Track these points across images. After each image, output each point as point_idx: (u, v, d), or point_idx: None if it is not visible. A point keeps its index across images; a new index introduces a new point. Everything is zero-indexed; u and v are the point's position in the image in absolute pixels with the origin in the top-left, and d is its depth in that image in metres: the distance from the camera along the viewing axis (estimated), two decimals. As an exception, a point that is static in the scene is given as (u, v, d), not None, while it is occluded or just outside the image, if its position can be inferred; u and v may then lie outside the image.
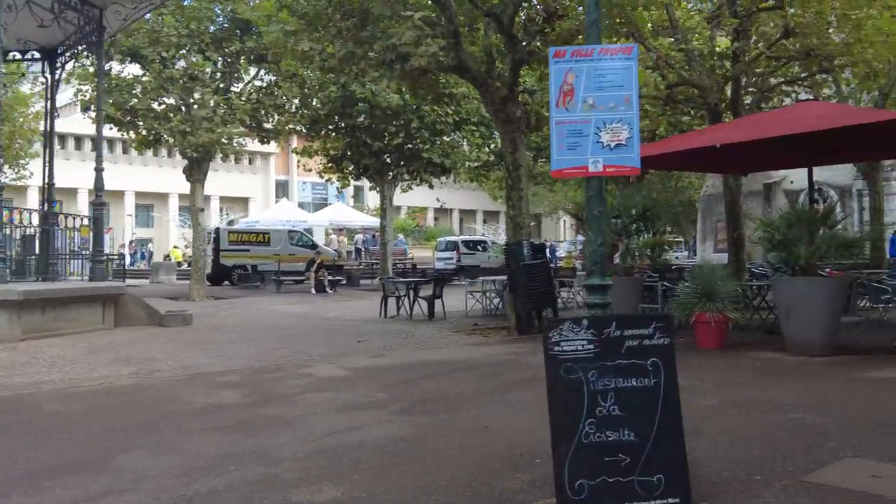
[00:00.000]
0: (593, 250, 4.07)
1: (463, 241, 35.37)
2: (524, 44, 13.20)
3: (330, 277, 25.37)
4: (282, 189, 62.31)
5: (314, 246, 29.88)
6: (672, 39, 16.46)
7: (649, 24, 17.76)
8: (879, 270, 16.07)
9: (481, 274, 15.97)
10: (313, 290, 24.15)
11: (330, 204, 48.71)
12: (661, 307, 11.66)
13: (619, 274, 11.27)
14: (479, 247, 34.67)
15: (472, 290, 16.39)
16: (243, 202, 59.34)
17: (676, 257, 46.18)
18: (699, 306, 9.74)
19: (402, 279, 17.16)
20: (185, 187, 23.58)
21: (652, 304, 12.19)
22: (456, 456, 5.08)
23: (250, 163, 60.17)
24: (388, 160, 26.16)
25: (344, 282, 27.44)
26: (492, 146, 27.25)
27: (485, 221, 65.94)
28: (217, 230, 28.91)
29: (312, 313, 17.15)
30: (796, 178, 36.39)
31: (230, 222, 41.45)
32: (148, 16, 17.41)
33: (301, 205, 50.32)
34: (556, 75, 4.04)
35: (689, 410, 6.20)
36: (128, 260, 35.90)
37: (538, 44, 13.87)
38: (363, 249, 38.44)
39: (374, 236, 36.31)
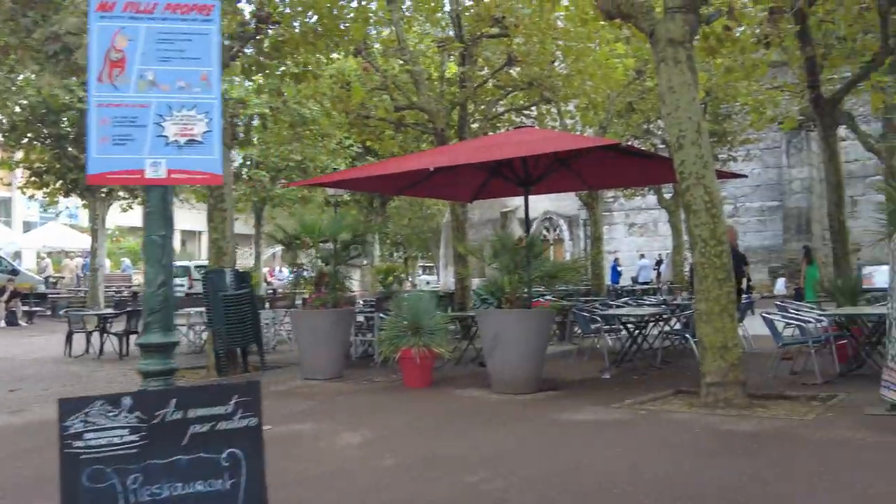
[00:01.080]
0: (152, 293, 2.83)
1: (197, 267, 32.70)
2: (234, 50, 11.84)
3: (26, 308, 22.02)
4: (3, 207, 54.79)
5: (15, 272, 25.98)
6: (401, 61, 15.89)
7: (377, 45, 17.13)
8: (596, 298, 16.48)
9: (186, 304, 14.17)
10: (2, 322, 20.76)
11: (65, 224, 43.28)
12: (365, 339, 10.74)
13: (328, 306, 10.17)
14: (216, 273, 32.14)
15: (177, 322, 14.53)
16: (-57, 221, 51.47)
17: (427, 283, 46.65)
18: (405, 341, 8.88)
19: (91, 311, 14.86)
20: None
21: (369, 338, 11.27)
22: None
23: (-46, 176, 52.42)
24: (102, 176, 23.26)
25: (48, 312, 24.05)
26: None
27: (258, 245, 62.43)
28: None
29: (-18, 353, 14.35)
30: (530, 206, 38.18)
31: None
32: None
33: (29, 224, 44.12)
34: (101, 36, 2.78)
35: (359, 477, 5.27)
36: None
37: (252, 50, 12.61)
38: (83, 276, 34.41)
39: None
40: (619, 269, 31.29)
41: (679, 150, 7.84)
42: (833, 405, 7.18)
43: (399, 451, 5.91)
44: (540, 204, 36.62)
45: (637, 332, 10.58)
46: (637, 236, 34.21)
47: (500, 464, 5.44)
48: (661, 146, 22.11)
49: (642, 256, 30.66)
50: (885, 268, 6.81)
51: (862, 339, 8.78)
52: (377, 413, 7.59)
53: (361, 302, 14.69)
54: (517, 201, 38.66)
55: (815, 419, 6.55)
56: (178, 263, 34.37)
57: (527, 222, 12.41)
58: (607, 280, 29.69)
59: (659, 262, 29.96)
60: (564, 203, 33.56)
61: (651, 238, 33.51)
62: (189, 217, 47.93)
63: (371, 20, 15.57)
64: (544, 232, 37.68)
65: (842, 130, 22.33)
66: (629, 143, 18.93)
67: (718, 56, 14.31)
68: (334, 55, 16.78)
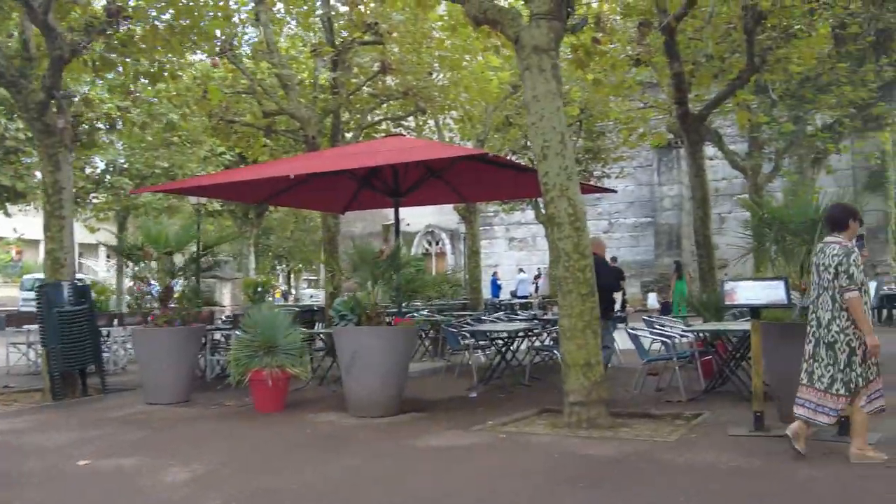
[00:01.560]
0: None
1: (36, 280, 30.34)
2: (81, 44, 10.83)
3: None
4: None
5: None
6: (270, 64, 15.15)
7: (246, 47, 16.35)
8: (472, 313, 16.17)
9: (28, 321, 12.88)
10: None
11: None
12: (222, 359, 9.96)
13: (176, 323, 9.33)
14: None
15: (15, 340, 13.23)
16: None
17: (311, 297, 45.37)
18: (256, 361, 8.19)
19: None
20: None
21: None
22: None
23: None
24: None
25: None
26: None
27: (109, 257, 59.18)
28: None
29: None
30: (413, 220, 37.84)
31: None
32: None
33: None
34: None
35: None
36: None
37: (101, 45, 11.63)
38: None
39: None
40: (498, 283, 31.35)
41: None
42: (697, 425, 7.01)
43: (227, 487, 5.26)
44: (423, 217, 36.37)
45: (506, 348, 10.26)
46: (517, 250, 34.45)
47: (335, 499, 4.88)
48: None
49: (521, 271, 30.84)
50: (748, 283, 6.68)
51: (727, 355, 8.72)
52: (217, 442, 6.88)
53: (223, 318, 13.82)
54: (400, 213, 38.38)
55: (677, 441, 6.32)
56: (39, 276, 32.07)
57: (396, 234, 11.92)
58: (488, 294, 29.73)
59: (538, 277, 30.20)
60: (447, 217, 33.39)
61: (531, 252, 33.81)
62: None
63: (238, 20, 14.84)
64: (426, 245, 37.44)
65: (710, 149, 23.22)
66: (507, 157, 18.83)
67: (589, 71, 14.40)
68: (198, 55, 15.89)
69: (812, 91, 16.51)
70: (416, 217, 36.89)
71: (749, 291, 6.62)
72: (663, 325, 10.32)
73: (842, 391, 5.40)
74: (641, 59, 13.34)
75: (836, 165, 21.80)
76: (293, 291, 48.61)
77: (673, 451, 5.93)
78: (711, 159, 26.03)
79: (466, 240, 22.16)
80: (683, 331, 8.82)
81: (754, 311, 6.61)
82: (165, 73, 13.61)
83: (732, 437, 6.38)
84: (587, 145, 23.61)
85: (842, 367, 5.39)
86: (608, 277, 9.81)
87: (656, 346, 9.55)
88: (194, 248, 9.47)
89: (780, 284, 6.53)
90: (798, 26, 12.97)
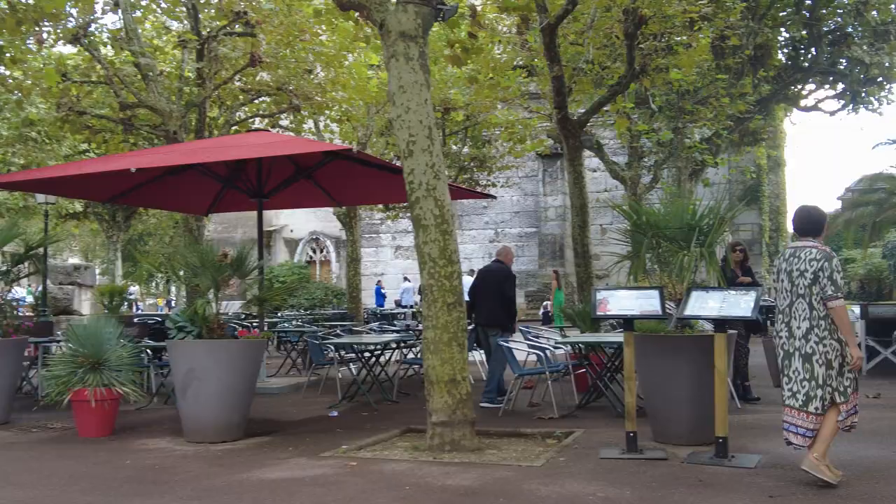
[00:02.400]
0: None
1: None
2: None
3: None
4: None
5: None
6: (128, 52, 13.88)
7: (104, 34, 15.01)
8: (348, 323, 15.35)
9: None
10: None
11: None
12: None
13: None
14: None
15: None
16: None
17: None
18: (76, 380, 7.12)
19: None
20: None
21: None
22: None
23: None
24: None
25: None
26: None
27: None
28: None
29: None
30: (297, 226, 36.56)
31: None
32: None
33: None
34: None
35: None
36: None
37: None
38: None
39: None
40: (383, 291, 30.59)
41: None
42: (567, 446, 6.46)
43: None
44: (307, 224, 35.17)
45: (374, 361, 9.51)
46: (403, 259, 33.78)
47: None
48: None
49: (406, 279, 30.18)
50: (622, 292, 6.20)
51: (603, 369, 8.27)
52: (21, 477, 5.81)
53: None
54: (283, 219, 36.94)
55: (545, 465, 5.73)
56: None
57: (259, 238, 11.01)
58: (373, 303, 28.86)
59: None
60: (332, 223, 32.34)
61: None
62: None
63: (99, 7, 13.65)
64: (311, 253, 36.27)
65: (594, 161, 23.27)
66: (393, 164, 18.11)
67: (471, 72, 13.89)
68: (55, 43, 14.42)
69: (691, 103, 16.59)
70: (300, 223, 35.65)
71: (622, 301, 6.14)
72: (538, 337, 9.84)
73: (819, 410, 4.90)
74: (524, 61, 12.93)
75: (713, 178, 22.19)
76: (173, 301, 46.28)
77: (538, 478, 5.32)
78: (595, 171, 26.21)
79: (347, 247, 21.24)
80: (556, 342, 8.29)
81: (627, 323, 6.13)
82: (9, 55, 12.30)
83: (604, 460, 5.84)
84: (473, 153, 23.19)
85: (820, 383, 4.89)
86: (511, 288, 9.26)
87: (534, 357, 9.03)
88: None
89: (655, 294, 6.08)
90: (679, 38, 12.90)
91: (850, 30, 18.75)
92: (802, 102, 22.06)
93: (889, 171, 31.05)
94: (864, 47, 18.15)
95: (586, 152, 25.38)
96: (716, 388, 5.72)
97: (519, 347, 8.64)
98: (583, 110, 12.94)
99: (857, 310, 10.89)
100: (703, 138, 18.76)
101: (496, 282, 9.24)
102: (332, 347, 9.49)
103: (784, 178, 29.79)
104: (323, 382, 10.62)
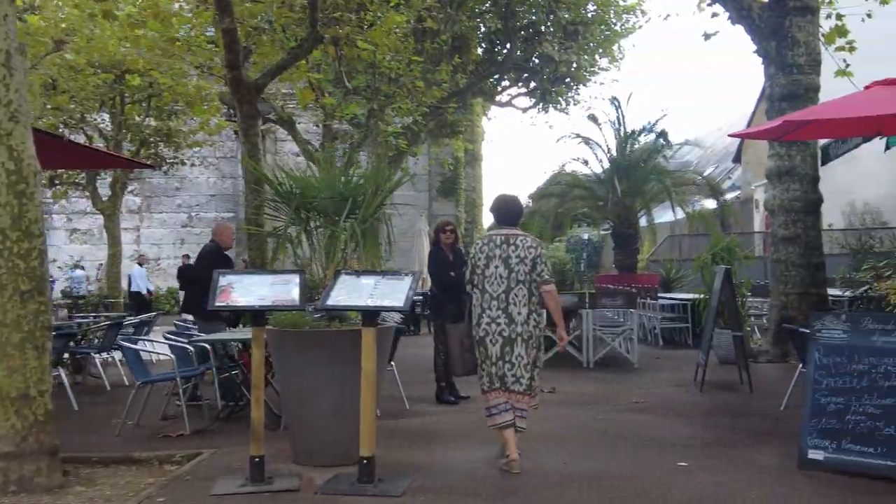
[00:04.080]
0: None
1: None
2: None
3: None
4: None
5: None
6: None
7: None
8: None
9: None
10: None
11: None
12: None
13: None
14: None
15: None
16: None
17: None
18: None
19: None
20: None
21: None
22: None
23: None
24: None
25: None
26: None
27: None
28: None
29: None
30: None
31: None
32: None
33: None
34: None
35: None
36: None
37: None
38: None
39: None
40: (51, 279, 26.64)
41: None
42: (180, 475, 4.99)
43: None
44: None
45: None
46: (80, 244, 29.88)
47: None
48: (102, 141, 18.74)
49: (78, 267, 26.52)
50: (253, 277, 4.86)
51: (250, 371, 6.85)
52: None
53: None
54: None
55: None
56: None
57: None
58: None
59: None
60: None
61: (95, 246, 29.41)
62: None
63: None
64: None
65: (293, 145, 21.87)
66: (61, 134, 15.26)
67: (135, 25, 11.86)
68: None
69: (388, 85, 15.85)
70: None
71: (252, 288, 4.79)
72: (190, 332, 8.20)
73: (535, 390, 5.11)
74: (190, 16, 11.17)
75: (415, 169, 21.89)
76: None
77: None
78: (298, 155, 24.83)
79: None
80: (191, 341, 6.71)
81: (257, 316, 4.78)
82: None
83: (215, 497, 4.46)
84: (158, 125, 20.61)
85: (536, 364, 5.08)
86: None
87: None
88: None
89: (295, 279, 4.81)
90: (372, 11, 12.00)
91: (542, 28, 19.27)
92: (498, 98, 22.53)
93: (570, 164, 33.21)
94: (556, 46, 18.71)
95: (282, 132, 23.98)
96: (362, 395, 4.59)
97: (143, 348, 6.97)
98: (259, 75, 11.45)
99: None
100: (403, 125, 18.22)
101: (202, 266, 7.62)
102: None
103: (481, 172, 30.55)
104: None
